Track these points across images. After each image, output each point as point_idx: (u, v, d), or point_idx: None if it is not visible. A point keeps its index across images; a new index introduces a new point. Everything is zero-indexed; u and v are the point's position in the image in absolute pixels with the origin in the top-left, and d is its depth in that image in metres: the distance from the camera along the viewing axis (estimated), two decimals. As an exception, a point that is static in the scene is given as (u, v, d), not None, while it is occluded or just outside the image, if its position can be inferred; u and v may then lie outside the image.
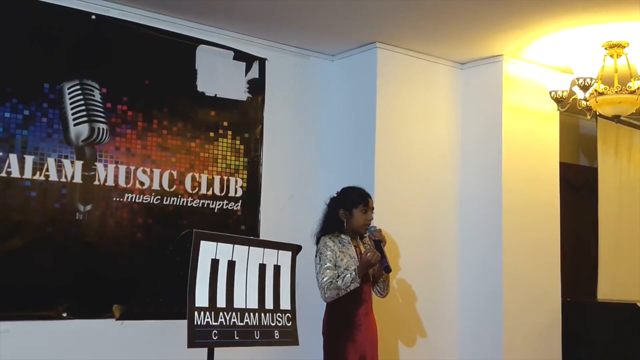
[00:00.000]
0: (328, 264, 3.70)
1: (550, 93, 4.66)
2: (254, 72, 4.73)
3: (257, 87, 4.73)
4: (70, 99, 3.96)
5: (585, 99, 4.54)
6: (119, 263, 4.07)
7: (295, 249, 2.88)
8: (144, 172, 4.20)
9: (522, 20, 4.28)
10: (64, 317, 3.86)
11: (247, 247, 2.70)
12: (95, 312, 3.95)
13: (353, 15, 4.28)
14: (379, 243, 3.77)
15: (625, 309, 5.20)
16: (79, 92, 4.00)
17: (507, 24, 4.35)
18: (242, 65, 4.68)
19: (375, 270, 3.80)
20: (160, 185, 4.26)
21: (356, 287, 3.66)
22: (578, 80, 4.42)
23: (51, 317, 3.82)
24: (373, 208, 3.92)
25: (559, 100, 4.64)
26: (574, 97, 4.63)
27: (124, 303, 3.94)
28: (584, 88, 4.43)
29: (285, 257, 2.83)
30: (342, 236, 3.85)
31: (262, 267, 2.75)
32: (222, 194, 4.51)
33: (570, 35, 4.44)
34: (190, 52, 4.44)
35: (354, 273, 3.65)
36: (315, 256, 3.80)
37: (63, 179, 3.90)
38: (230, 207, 4.54)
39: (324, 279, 3.68)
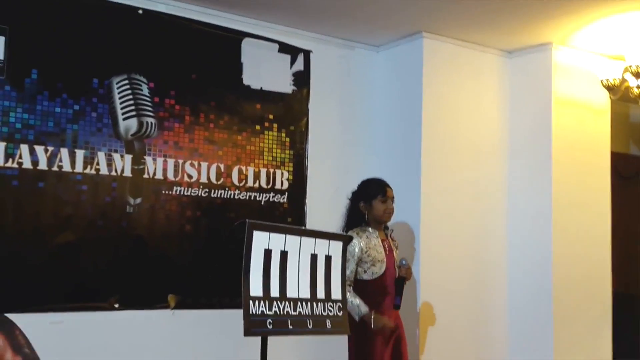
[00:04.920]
0: (351, 259, 3.67)
1: (601, 81, 4.56)
2: (299, 65, 4.72)
3: (302, 79, 4.73)
4: (118, 93, 4.01)
5: (638, 87, 4.43)
6: (168, 255, 4.11)
7: (346, 240, 2.89)
8: (192, 165, 4.23)
9: (572, 6, 4.19)
10: (116, 308, 3.92)
11: (299, 237, 2.71)
12: (146, 303, 4.01)
13: (398, 5, 4.24)
14: (401, 281, 3.76)
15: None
16: (127, 86, 4.04)
17: (556, 10, 4.26)
18: (287, 57, 4.68)
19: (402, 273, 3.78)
20: (208, 178, 4.28)
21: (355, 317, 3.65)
22: (630, 67, 4.33)
23: (103, 308, 3.88)
24: (393, 197, 3.90)
25: (610, 88, 4.55)
26: (626, 84, 4.52)
27: (176, 293, 4.04)
28: (637, 75, 4.34)
29: (336, 247, 2.84)
30: (369, 229, 3.85)
31: (314, 257, 2.76)
32: (269, 187, 4.52)
33: (622, 21, 4.33)
34: (236, 45, 4.46)
35: (365, 312, 3.62)
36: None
37: (113, 173, 3.95)
38: (277, 199, 4.55)
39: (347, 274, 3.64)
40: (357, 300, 3.66)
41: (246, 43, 4.49)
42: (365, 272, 3.77)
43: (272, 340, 2.62)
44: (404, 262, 3.79)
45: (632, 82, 4.45)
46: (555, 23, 4.47)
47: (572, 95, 4.95)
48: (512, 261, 5.02)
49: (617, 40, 4.61)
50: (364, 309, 3.65)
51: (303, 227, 4.34)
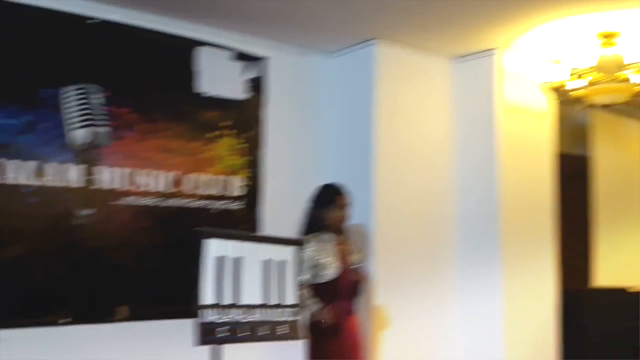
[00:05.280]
0: (306, 265, 3.77)
1: (543, 84, 4.69)
2: (254, 72, 4.75)
3: (257, 86, 4.76)
4: (70, 103, 3.98)
5: (579, 89, 4.58)
6: (121, 266, 4.08)
7: (299, 244, 2.93)
8: (146, 174, 4.22)
9: (515, 12, 4.31)
10: (67, 322, 3.85)
11: (252, 243, 2.74)
12: (98, 316, 3.96)
13: (352, 12, 4.31)
14: (357, 284, 3.86)
15: (620, 294, 5.26)
16: (79, 96, 4.01)
17: (500, 17, 4.39)
18: (242, 64, 4.70)
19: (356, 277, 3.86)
20: (162, 187, 4.27)
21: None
22: (571, 70, 4.45)
23: (54, 323, 3.81)
24: (349, 203, 3.98)
25: (552, 91, 4.68)
26: (567, 87, 4.66)
27: (129, 305, 4.02)
28: (578, 78, 4.47)
29: (289, 252, 2.88)
30: (324, 234, 3.95)
31: (267, 263, 2.80)
32: (224, 194, 4.53)
33: (563, 26, 4.48)
34: (191, 53, 4.46)
35: (317, 307, 3.75)
36: None
37: (64, 184, 3.91)
38: (232, 206, 4.57)
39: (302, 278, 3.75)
40: (311, 301, 3.77)
41: (201, 51, 4.50)
42: (319, 276, 3.84)
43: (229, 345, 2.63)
44: (357, 265, 3.86)
45: (572, 85, 4.59)
46: (499, 29, 4.60)
47: (516, 98, 5.10)
48: (461, 261, 5.12)
49: (559, 44, 4.76)
50: (315, 307, 3.75)
51: (255, 234, 4.37)
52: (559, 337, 5.20)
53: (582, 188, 5.69)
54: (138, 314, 4.07)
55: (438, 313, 5.02)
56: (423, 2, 4.14)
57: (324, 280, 3.84)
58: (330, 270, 3.85)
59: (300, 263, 3.69)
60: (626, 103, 4.71)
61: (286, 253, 2.88)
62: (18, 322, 3.70)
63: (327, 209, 3.95)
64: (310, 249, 3.84)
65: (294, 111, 4.95)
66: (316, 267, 3.85)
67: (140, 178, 4.19)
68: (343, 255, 3.94)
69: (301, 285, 3.72)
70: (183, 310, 3.96)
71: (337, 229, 3.98)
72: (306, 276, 3.78)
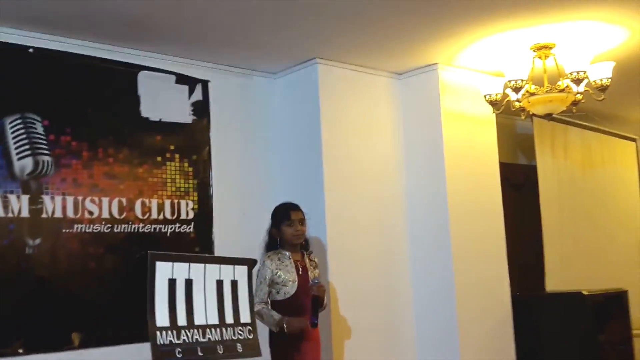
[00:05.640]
0: (263, 282, 3.87)
1: (484, 96, 4.82)
2: (198, 95, 4.76)
3: (201, 109, 4.76)
4: (12, 133, 3.92)
5: (518, 100, 4.70)
6: (72, 294, 4.02)
7: (250, 263, 2.94)
8: (93, 201, 4.18)
9: (453, 29, 4.43)
10: (20, 353, 3.79)
11: (203, 264, 2.74)
12: (52, 345, 3.90)
13: (291, 33, 4.36)
14: (316, 299, 3.85)
15: (571, 298, 5.39)
16: (21, 126, 3.96)
17: (439, 33, 4.50)
18: (185, 88, 4.70)
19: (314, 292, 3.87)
20: (110, 213, 4.23)
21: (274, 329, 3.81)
22: (510, 83, 4.58)
23: (7, 354, 3.74)
24: (301, 219, 4.04)
25: (493, 103, 4.80)
26: (507, 99, 4.79)
27: (82, 332, 3.96)
28: (516, 90, 4.59)
29: (241, 271, 2.89)
30: (283, 252, 4.00)
31: (220, 283, 2.80)
32: (174, 218, 4.51)
33: (500, 40, 4.62)
34: (132, 78, 4.45)
35: (278, 319, 3.78)
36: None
37: (10, 214, 3.85)
38: (183, 229, 4.55)
39: (257, 295, 3.81)
40: (272, 312, 3.81)
41: (142, 76, 4.49)
42: (277, 292, 3.90)
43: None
44: (315, 280, 3.89)
45: (512, 96, 4.73)
46: (440, 45, 4.71)
47: (460, 111, 5.22)
48: (414, 273, 5.19)
49: (497, 57, 4.90)
50: (277, 316, 3.79)
51: (206, 255, 4.36)
52: (514, 343, 5.30)
53: (529, 196, 5.82)
54: (91, 341, 4.01)
55: (395, 321, 5.07)
56: (362, 22, 4.22)
57: (283, 298, 3.87)
58: (289, 287, 3.88)
59: (254, 281, 3.75)
60: (566, 112, 4.87)
61: (238, 273, 2.89)
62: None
63: (282, 226, 3.99)
64: (269, 267, 3.89)
65: (240, 132, 4.97)
66: (276, 284, 3.89)
67: (88, 205, 4.15)
68: (303, 272, 3.98)
69: (260, 302, 3.80)
70: (137, 334, 3.98)
71: (295, 245, 4.02)
72: (264, 293, 3.85)
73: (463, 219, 5.08)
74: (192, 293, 2.67)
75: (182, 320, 2.61)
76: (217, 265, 2.81)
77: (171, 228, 4.49)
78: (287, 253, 3.99)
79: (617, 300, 5.66)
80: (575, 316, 5.32)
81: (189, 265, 2.69)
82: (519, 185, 5.87)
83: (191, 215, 4.60)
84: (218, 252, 4.62)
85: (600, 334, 5.38)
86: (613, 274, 6.31)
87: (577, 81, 4.37)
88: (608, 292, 5.65)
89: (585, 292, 5.31)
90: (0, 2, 3.60)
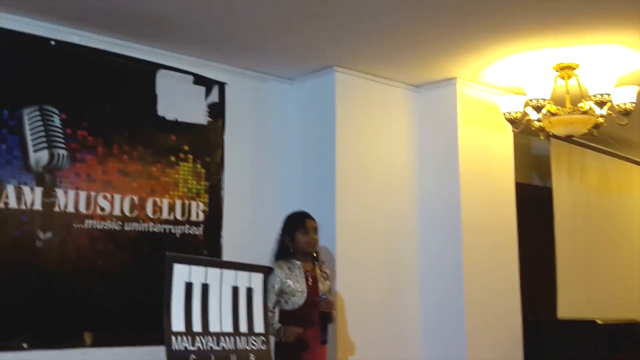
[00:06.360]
0: (271, 290, 3.75)
1: (504, 114, 4.78)
2: (214, 96, 4.73)
3: (217, 111, 4.73)
4: (29, 125, 3.90)
5: (539, 120, 4.67)
6: (80, 290, 3.98)
7: (267, 271, 2.90)
8: (105, 197, 4.14)
9: (476, 44, 4.41)
10: (24, 347, 3.74)
11: (220, 269, 2.70)
12: (56, 342, 3.85)
13: (310, 39, 4.34)
14: (324, 315, 3.81)
15: (585, 327, 5.31)
16: (38, 118, 3.94)
17: (461, 48, 4.48)
18: (202, 89, 4.68)
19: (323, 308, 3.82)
20: (122, 210, 4.20)
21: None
22: (531, 101, 4.55)
23: (11, 348, 3.70)
24: (315, 228, 4.00)
25: (513, 121, 4.76)
26: (527, 118, 4.76)
27: (90, 330, 3.92)
28: (537, 109, 4.55)
29: (257, 279, 2.85)
30: (293, 260, 3.94)
31: (235, 290, 2.76)
32: (184, 219, 4.48)
33: (522, 59, 4.60)
34: (150, 76, 4.43)
35: (277, 328, 3.73)
36: None
37: (23, 206, 3.82)
38: (192, 231, 4.51)
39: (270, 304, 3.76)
40: (272, 321, 3.73)
41: (161, 75, 4.47)
42: (286, 302, 3.84)
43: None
44: (324, 296, 3.83)
45: (532, 115, 4.69)
46: (461, 60, 4.69)
47: (477, 128, 5.19)
48: (424, 288, 5.14)
49: (519, 76, 4.87)
50: (276, 325, 3.75)
51: (224, 259, 4.32)
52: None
53: (542, 218, 5.76)
54: (101, 341, 3.97)
55: (401, 339, 5.01)
56: (383, 32, 4.20)
57: (292, 308, 3.80)
58: (298, 298, 3.82)
59: (268, 290, 3.68)
60: (586, 135, 4.82)
61: (254, 280, 2.85)
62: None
63: (296, 234, 3.93)
64: (279, 275, 3.83)
65: (254, 136, 4.94)
66: (284, 293, 3.83)
67: (100, 201, 4.11)
68: (312, 282, 3.92)
69: (269, 311, 3.70)
70: (146, 337, 3.94)
71: (307, 254, 3.97)
72: (271, 302, 3.76)
73: (476, 239, 5.03)
74: (207, 298, 2.63)
75: (197, 326, 2.57)
76: (234, 271, 2.77)
77: (181, 229, 4.46)
78: (297, 262, 3.94)
79: (631, 331, 5.58)
80: (588, 345, 5.24)
81: (206, 270, 2.65)
82: (532, 206, 5.81)
83: (201, 217, 4.56)
84: (226, 256, 4.57)
85: (613, 364, 5.32)
86: (627, 301, 6.25)
87: (601, 104, 4.34)
88: (622, 322, 5.56)
89: (599, 322, 5.22)
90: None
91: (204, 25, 4.11)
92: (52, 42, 4.02)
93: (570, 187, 6.05)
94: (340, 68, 4.84)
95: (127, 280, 4.15)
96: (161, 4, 3.77)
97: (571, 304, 5.69)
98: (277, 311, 3.85)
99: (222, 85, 4.77)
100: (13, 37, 3.88)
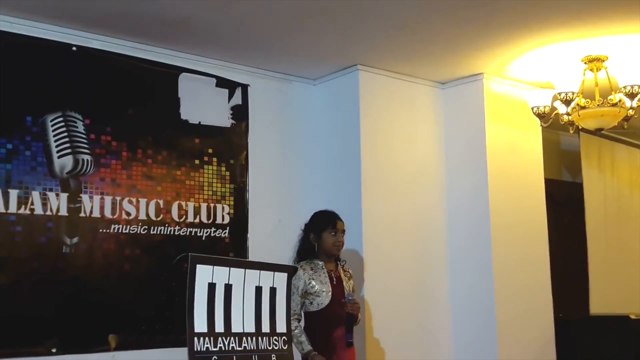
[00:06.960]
0: (295, 292, 3.68)
1: (532, 109, 4.69)
2: (237, 99, 4.72)
3: (240, 113, 4.72)
4: (53, 131, 3.92)
5: (568, 114, 4.57)
6: (107, 295, 4.00)
7: (291, 271, 2.87)
8: (130, 202, 4.15)
9: (501, 39, 4.33)
10: (54, 352, 3.76)
11: (243, 269, 2.68)
12: (85, 346, 3.87)
13: (333, 39, 4.31)
14: (350, 317, 3.75)
15: (617, 322, 5.20)
16: (62, 124, 3.96)
17: (486, 43, 4.40)
18: (225, 92, 4.67)
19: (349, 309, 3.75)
20: (147, 214, 4.20)
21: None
22: (560, 95, 4.45)
23: (40, 354, 3.72)
24: (344, 230, 3.93)
25: (541, 116, 4.67)
26: (556, 112, 4.66)
27: (117, 334, 3.92)
28: (566, 102, 4.45)
29: (281, 279, 2.82)
30: (316, 261, 3.87)
31: (259, 290, 2.73)
32: (210, 222, 4.47)
33: (550, 51, 4.50)
34: (173, 80, 4.43)
35: (307, 350, 3.62)
36: None
37: (48, 212, 3.84)
38: (218, 234, 4.50)
39: (293, 308, 3.65)
40: (303, 338, 3.66)
41: (183, 78, 4.47)
42: (311, 303, 3.77)
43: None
44: (350, 297, 3.75)
45: (561, 109, 4.59)
46: (486, 55, 4.61)
47: (505, 123, 5.10)
48: (453, 286, 5.07)
49: (546, 69, 4.78)
50: (307, 347, 3.64)
51: (247, 259, 4.29)
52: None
53: (573, 214, 5.65)
54: (127, 343, 3.97)
55: (431, 338, 4.94)
56: (407, 29, 4.15)
57: (317, 309, 3.75)
58: (323, 298, 3.76)
59: (292, 290, 3.64)
60: (616, 128, 4.71)
61: (278, 280, 2.81)
62: (3, 352, 3.60)
63: (323, 233, 3.88)
64: (302, 277, 3.75)
65: (278, 138, 4.92)
66: (309, 294, 3.77)
67: (125, 205, 4.12)
68: (337, 282, 3.86)
69: (294, 315, 3.63)
70: (170, 339, 3.93)
71: (332, 255, 3.91)
72: (296, 304, 3.69)
73: (505, 235, 4.94)
74: (230, 298, 2.60)
75: (219, 327, 2.54)
76: (257, 271, 2.74)
77: (206, 232, 4.45)
78: (320, 262, 3.86)
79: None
80: (622, 341, 5.13)
81: (229, 270, 2.62)
82: (562, 202, 5.70)
83: (227, 219, 4.55)
84: (252, 257, 4.55)
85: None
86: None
87: (631, 96, 4.23)
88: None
89: (632, 316, 5.12)
90: (46, 0, 3.59)
91: (226, 28, 4.09)
92: (74, 48, 4.05)
93: (601, 181, 5.93)
94: (364, 67, 4.79)
95: (154, 284, 4.15)
96: (182, 7, 3.77)
97: (603, 299, 5.57)
98: (305, 337, 3.69)
99: (244, 87, 4.76)
100: (35, 43, 3.91)
